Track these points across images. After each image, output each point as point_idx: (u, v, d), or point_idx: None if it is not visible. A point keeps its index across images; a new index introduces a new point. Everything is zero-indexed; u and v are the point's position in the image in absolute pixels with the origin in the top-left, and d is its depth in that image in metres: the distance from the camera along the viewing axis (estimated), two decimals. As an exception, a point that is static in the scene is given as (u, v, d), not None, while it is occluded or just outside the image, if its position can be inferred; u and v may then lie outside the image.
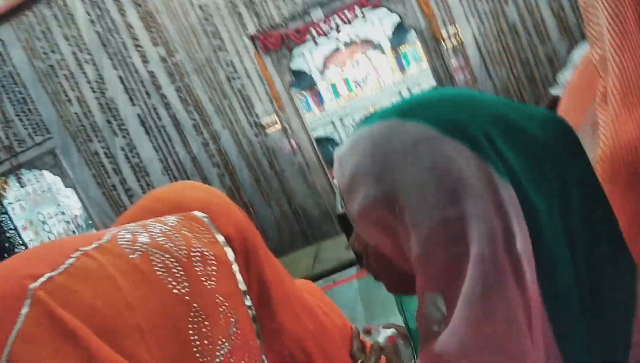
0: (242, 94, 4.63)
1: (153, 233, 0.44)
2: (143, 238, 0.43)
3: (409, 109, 0.47)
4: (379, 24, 6.75)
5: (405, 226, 0.45)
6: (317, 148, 4.91)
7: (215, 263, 0.47)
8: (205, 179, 4.71)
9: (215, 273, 0.46)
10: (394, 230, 0.47)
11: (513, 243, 0.40)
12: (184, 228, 0.48)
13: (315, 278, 2.84)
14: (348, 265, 2.79)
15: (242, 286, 0.49)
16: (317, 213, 4.73)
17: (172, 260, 0.43)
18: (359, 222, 0.50)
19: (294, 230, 4.76)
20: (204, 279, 0.44)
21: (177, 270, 0.42)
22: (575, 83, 0.86)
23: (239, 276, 0.49)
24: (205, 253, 0.46)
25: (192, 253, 0.45)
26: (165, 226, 0.46)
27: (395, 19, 6.25)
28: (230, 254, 0.50)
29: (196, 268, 0.44)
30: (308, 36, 4.62)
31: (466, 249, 0.41)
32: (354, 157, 0.49)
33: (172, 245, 0.44)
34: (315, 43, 6.46)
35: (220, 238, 0.51)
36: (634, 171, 0.59)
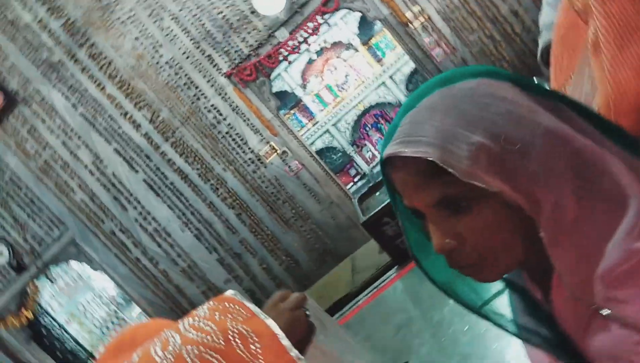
0: (232, 133, 4.66)
1: (183, 330, 0.44)
2: (173, 340, 0.43)
3: (487, 71, 0.55)
4: (343, 25, 6.78)
5: (518, 154, 0.50)
6: (320, 160, 4.91)
7: (257, 339, 0.46)
8: (226, 222, 4.74)
9: (260, 350, 0.45)
10: (509, 163, 0.50)
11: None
12: (216, 313, 0.47)
13: (360, 290, 2.82)
14: (387, 268, 2.77)
15: (293, 352, 0.48)
16: (338, 223, 4.71)
17: (206, 350, 0.42)
18: (473, 174, 0.50)
19: (322, 248, 4.75)
20: (248, 359, 0.44)
21: (215, 359, 0.42)
22: (562, 23, 0.85)
23: (286, 342, 0.48)
24: (244, 331, 0.46)
25: (229, 337, 0.44)
26: (194, 319, 0.46)
27: (357, 15, 6.28)
28: (271, 323, 0.49)
29: (238, 351, 0.44)
30: (280, 57, 4.65)
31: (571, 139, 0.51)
32: (442, 114, 0.52)
33: (204, 335, 0.44)
34: (289, 62, 6.51)
35: (256, 309, 0.50)
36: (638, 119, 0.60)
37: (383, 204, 2.54)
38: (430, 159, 0.50)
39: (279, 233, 4.76)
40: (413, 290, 2.47)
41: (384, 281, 2.57)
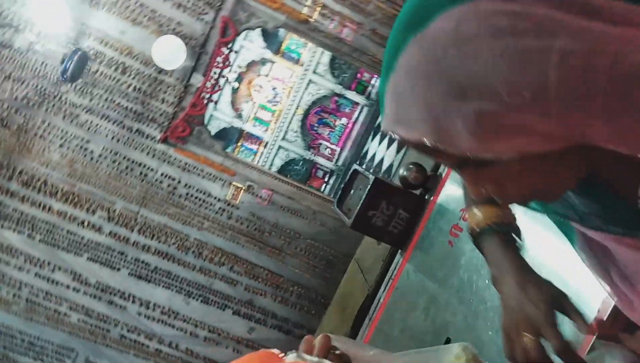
0: (192, 192, 4.60)
1: None
2: None
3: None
4: (250, 45, 6.77)
5: (530, 103, 0.41)
6: (286, 178, 4.89)
7: None
8: (223, 278, 4.68)
9: None
10: (520, 119, 0.42)
11: None
12: None
13: (376, 288, 2.81)
14: (392, 256, 2.78)
15: None
16: (330, 227, 4.71)
17: None
18: (478, 148, 0.44)
19: (325, 260, 4.74)
20: None
21: None
22: None
23: None
24: None
25: None
26: None
27: (257, 31, 6.28)
28: None
29: None
30: (205, 101, 4.61)
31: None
32: (425, 83, 0.43)
33: None
34: (215, 102, 6.47)
35: None
36: None
37: (362, 200, 2.54)
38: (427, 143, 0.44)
39: (277, 266, 4.72)
40: (423, 267, 2.48)
41: (394, 270, 2.58)
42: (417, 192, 2.81)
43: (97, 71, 4.36)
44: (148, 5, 4.34)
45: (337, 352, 0.67)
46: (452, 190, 2.57)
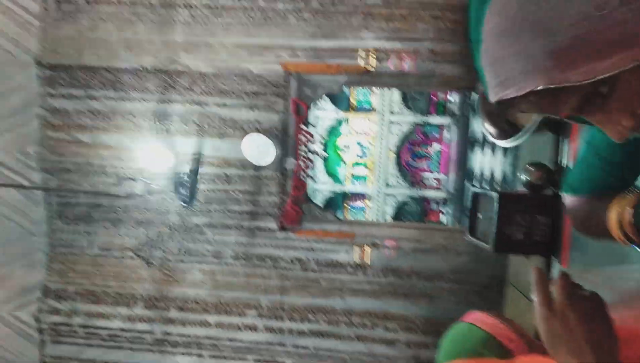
0: (323, 267, 4.68)
1: None
2: None
3: None
4: (323, 113, 7.05)
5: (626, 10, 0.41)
6: (403, 223, 4.85)
7: None
8: (383, 339, 4.62)
9: None
10: (624, 27, 0.42)
11: None
12: None
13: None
14: (548, 267, 2.59)
15: None
16: (470, 256, 4.52)
17: None
18: (591, 71, 0.43)
19: (473, 291, 4.52)
20: None
21: None
22: None
23: None
24: None
25: None
26: None
27: (325, 98, 6.53)
28: None
29: None
30: (303, 179, 4.83)
31: None
32: (517, 36, 0.44)
33: None
34: (312, 177, 6.72)
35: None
36: None
37: (495, 220, 2.43)
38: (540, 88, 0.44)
39: (430, 311, 4.58)
40: (588, 266, 2.28)
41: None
42: (548, 192, 2.64)
43: (206, 189, 4.77)
44: (226, 118, 4.73)
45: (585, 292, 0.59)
46: (584, 176, 2.38)
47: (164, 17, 4.61)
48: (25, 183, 4.80)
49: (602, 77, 0.43)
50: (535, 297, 0.60)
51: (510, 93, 0.46)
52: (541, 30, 0.43)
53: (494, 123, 2.73)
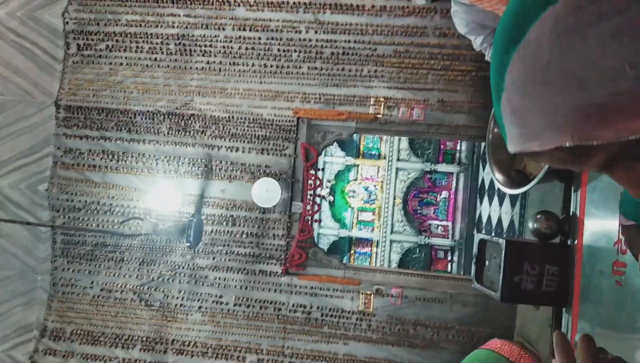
0: (326, 312, 4.59)
1: None
2: None
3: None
4: (332, 158, 7.12)
5: None
6: (409, 270, 4.77)
7: None
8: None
9: None
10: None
11: None
12: None
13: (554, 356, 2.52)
14: (557, 317, 2.52)
15: None
16: (476, 307, 4.41)
17: None
18: (621, 132, 0.41)
19: (478, 338, 4.39)
20: None
21: None
22: None
23: None
24: None
25: None
26: None
27: (334, 144, 6.63)
28: None
29: None
30: (310, 223, 4.81)
31: None
32: (542, 90, 0.42)
33: None
34: (318, 221, 6.71)
35: None
36: None
37: (502, 268, 2.39)
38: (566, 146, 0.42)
39: (434, 360, 4.43)
40: (598, 319, 2.21)
41: (567, 333, 2.30)
42: (557, 240, 2.60)
43: (211, 231, 4.76)
44: (237, 161, 4.79)
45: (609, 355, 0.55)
46: (594, 226, 2.35)
47: (180, 63, 4.76)
48: (33, 220, 4.82)
49: (633, 137, 0.41)
50: (557, 362, 0.58)
51: (533, 147, 0.45)
52: (574, 83, 0.41)
53: (503, 171, 2.72)
